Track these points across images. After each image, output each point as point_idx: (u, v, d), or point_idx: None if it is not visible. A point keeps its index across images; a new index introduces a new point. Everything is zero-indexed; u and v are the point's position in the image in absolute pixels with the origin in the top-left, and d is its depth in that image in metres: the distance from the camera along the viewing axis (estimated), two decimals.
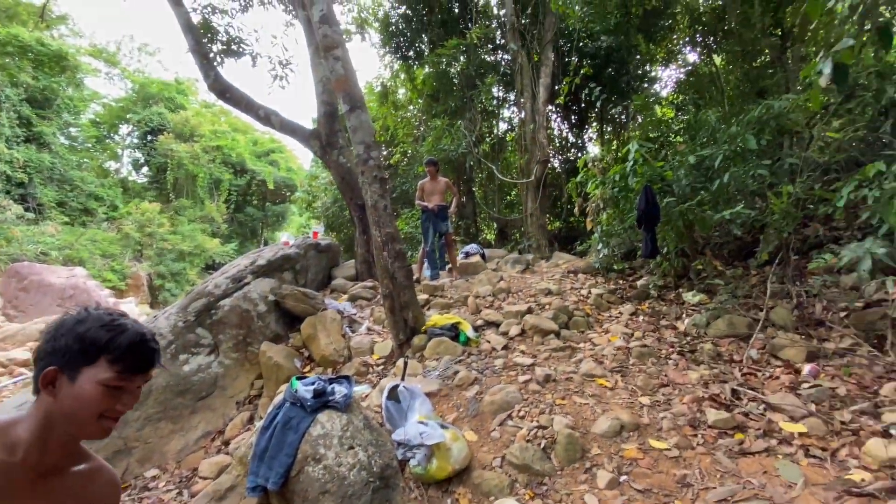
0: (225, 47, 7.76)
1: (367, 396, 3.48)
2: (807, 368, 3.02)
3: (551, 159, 10.90)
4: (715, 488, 2.11)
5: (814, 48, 7.21)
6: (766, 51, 8.51)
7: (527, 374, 3.40)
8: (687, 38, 10.54)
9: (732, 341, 3.71)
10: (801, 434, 2.39)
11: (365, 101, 4.38)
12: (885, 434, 2.28)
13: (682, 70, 11.39)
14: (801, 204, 4.27)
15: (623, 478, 2.33)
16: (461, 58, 10.85)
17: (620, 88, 10.68)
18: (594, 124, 12.89)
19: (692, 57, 11.09)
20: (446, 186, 6.39)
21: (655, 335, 4.06)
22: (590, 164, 5.26)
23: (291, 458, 2.24)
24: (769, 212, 4.40)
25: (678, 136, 6.76)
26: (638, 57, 10.69)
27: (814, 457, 2.23)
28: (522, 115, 10.43)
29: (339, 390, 2.52)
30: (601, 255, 5.81)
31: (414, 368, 3.69)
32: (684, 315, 4.35)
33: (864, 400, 2.62)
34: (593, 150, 12.72)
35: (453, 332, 4.07)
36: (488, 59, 11.72)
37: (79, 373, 0.88)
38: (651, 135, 6.80)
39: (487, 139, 12.02)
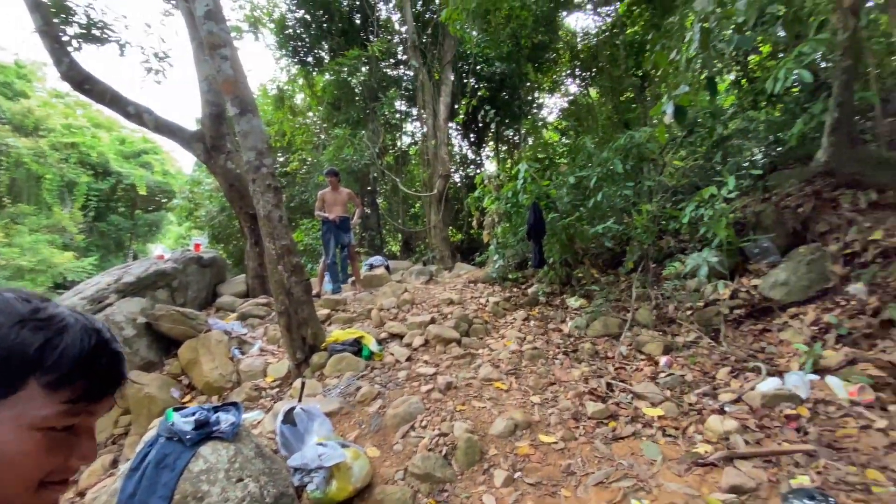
0: (84, 31, 6.72)
1: (259, 423, 3.22)
2: (663, 360, 3.54)
3: (452, 174, 11.32)
4: (594, 473, 2.36)
5: (664, 89, 8.58)
6: (630, 88, 9.91)
7: (429, 383, 3.46)
8: (568, 71, 11.82)
9: (607, 340, 4.20)
10: (659, 417, 2.79)
11: (257, 105, 4.13)
12: (721, 411, 2.77)
13: (565, 99, 12.75)
14: (656, 220, 5.01)
15: (517, 474, 2.48)
16: (363, 69, 10.80)
17: (513, 112, 11.54)
18: (491, 143, 13.73)
19: (573, 88, 12.47)
20: (348, 197, 6.27)
21: (544, 338, 4.42)
22: (486, 181, 5.58)
23: (167, 501, 1.99)
24: (633, 227, 5.10)
25: (562, 158, 7.51)
26: (528, 84, 11.67)
27: (669, 436, 2.62)
28: (424, 129, 10.70)
29: (226, 419, 2.31)
30: (497, 266, 6.16)
31: (313, 388, 3.52)
32: (568, 318, 4.81)
33: (706, 384, 3.15)
34: (490, 167, 13.53)
35: (356, 346, 3.98)
36: (390, 73, 11.84)
37: None
38: (539, 156, 7.47)
39: (391, 151, 12.08)
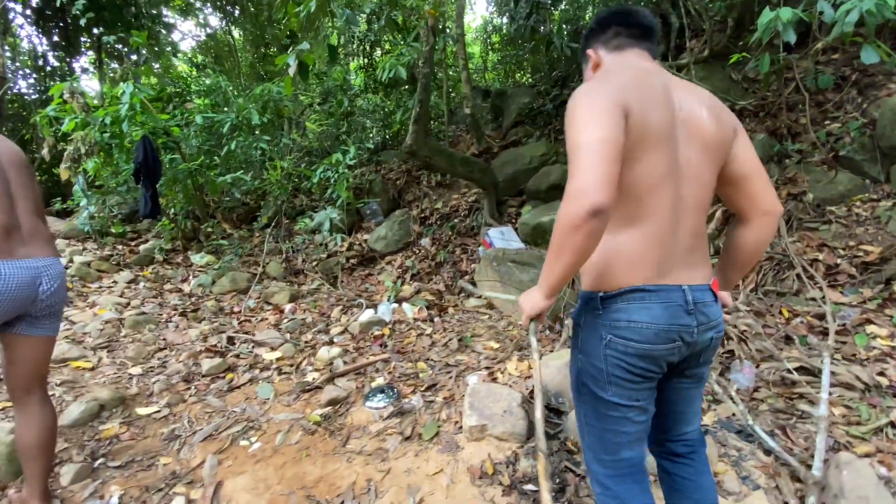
0: None
1: None
2: (288, 308, 3.74)
3: (9, 76, 7.66)
4: (201, 429, 2.22)
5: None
6: (274, 41, 9.62)
7: None
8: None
9: (234, 295, 4.03)
10: (277, 359, 2.92)
11: None
12: (330, 343, 3.19)
13: (203, 31, 10.99)
14: (291, 177, 5.17)
15: (98, 462, 2.01)
16: None
17: (126, 20, 8.93)
18: (92, 53, 10.16)
19: (214, 21, 10.91)
20: None
21: (157, 300, 3.78)
22: (67, 96, 4.08)
23: None
24: (269, 182, 5.06)
25: (193, 97, 6.49)
26: None
27: (285, 373, 2.79)
28: None
29: None
30: (86, 216, 4.72)
31: None
32: (191, 277, 4.30)
33: (322, 323, 3.55)
34: (93, 84, 10.05)
35: None
36: None
37: None
38: (167, 89, 6.14)
39: None
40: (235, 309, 3.81)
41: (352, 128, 5.84)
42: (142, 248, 4.79)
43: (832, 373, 1.98)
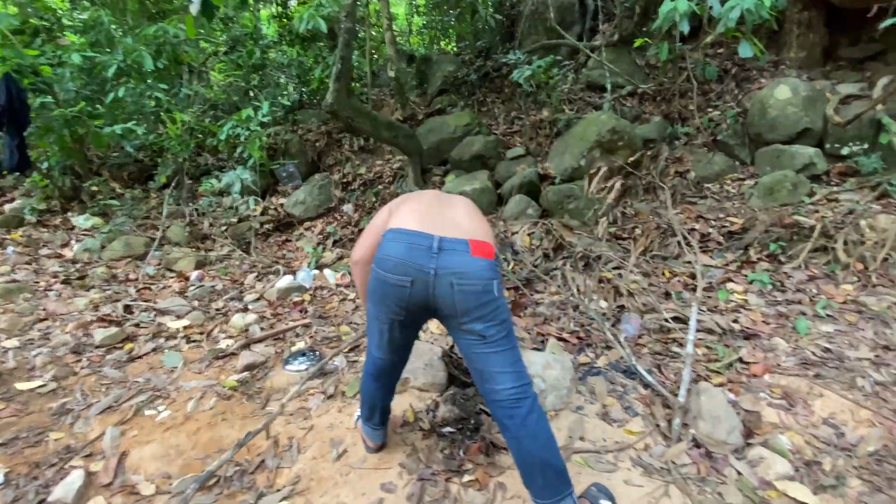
0: None
1: None
2: (194, 275, 3.47)
3: None
4: (98, 402, 2.04)
5: None
6: None
7: None
8: None
9: (129, 262, 3.65)
10: (185, 328, 2.74)
11: None
12: (245, 310, 3.05)
13: None
14: (193, 133, 4.68)
15: None
16: None
17: None
18: None
19: None
20: None
21: (32, 267, 3.29)
22: None
23: None
24: (167, 137, 4.54)
25: (68, 32, 5.50)
26: None
27: (194, 341, 2.63)
28: None
29: None
30: None
31: None
32: (73, 241, 3.78)
33: (235, 290, 3.37)
34: None
35: None
36: None
37: None
38: (31, 21, 5.10)
39: None
40: (132, 276, 3.45)
41: (264, 82, 5.39)
42: (7, 207, 4.09)
43: (698, 321, 2.36)
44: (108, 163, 5.03)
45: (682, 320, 2.44)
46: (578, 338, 2.39)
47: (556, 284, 2.91)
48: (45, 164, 4.21)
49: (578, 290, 2.75)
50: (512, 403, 1.28)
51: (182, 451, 1.83)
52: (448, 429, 1.81)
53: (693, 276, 3.00)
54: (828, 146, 3.69)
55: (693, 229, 3.56)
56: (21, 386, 2.10)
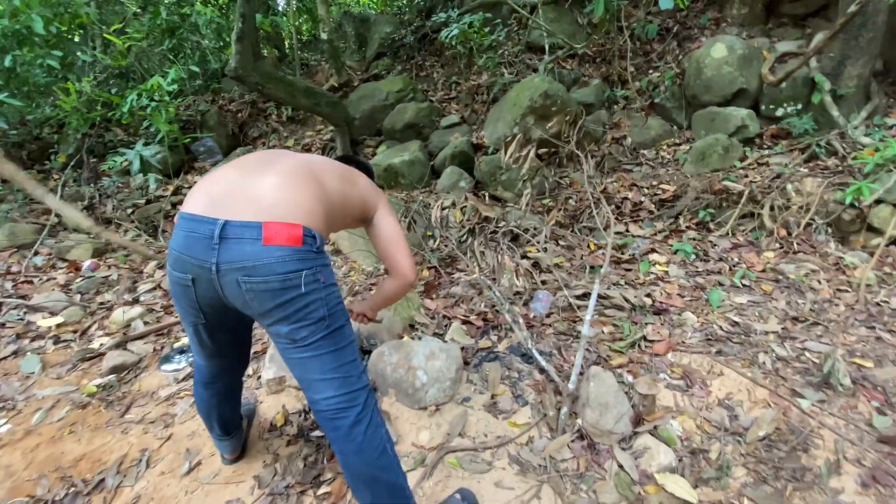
0: None
1: None
2: (86, 264, 3.13)
3: None
4: None
5: None
6: None
7: None
8: None
9: (14, 252, 3.27)
10: (57, 325, 2.44)
11: None
12: (135, 302, 2.75)
13: None
14: (93, 105, 4.21)
15: None
16: None
17: None
18: None
19: None
20: None
21: None
22: None
23: None
24: (63, 110, 4.06)
25: None
26: None
27: (64, 342, 2.35)
28: None
29: None
30: None
31: None
32: None
33: (130, 280, 3.05)
34: None
35: None
36: None
37: None
38: None
39: None
40: (14, 268, 3.09)
41: (179, 47, 4.88)
42: None
43: (606, 296, 2.22)
44: (5, 141, 4.50)
45: (600, 295, 2.30)
46: (484, 320, 2.22)
47: (475, 263, 2.73)
48: None
49: (494, 268, 2.58)
50: (333, 414, 1.09)
51: (13, 473, 1.59)
52: (317, 433, 1.62)
53: (621, 248, 2.87)
54: (763, 107, 3.57)
55: (626, 198, 3.42)
56: None
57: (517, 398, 1.73)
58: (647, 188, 3.44)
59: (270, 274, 0.97)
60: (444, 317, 2.28)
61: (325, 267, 1.07)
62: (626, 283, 2.46)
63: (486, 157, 3.77)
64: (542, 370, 1.82)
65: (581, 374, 1.70)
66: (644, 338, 1.98)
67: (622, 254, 2.83)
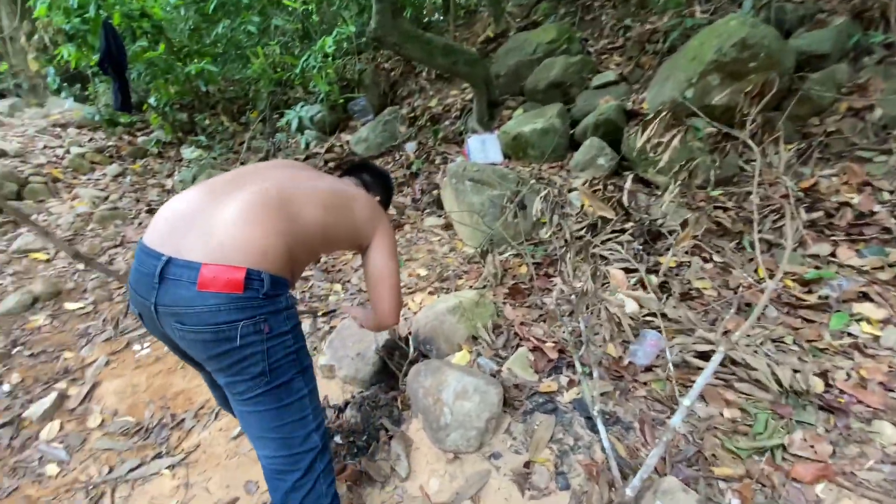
0: None
1: None
2: None
3: None
4: (107, 330, 2.36)
5: None
6: None
7: None
8: None
9: None
10: None
11: None
12: None
13: None
14: (275, 66, 4.79)
15: (16, 349, 2.25)
16: None
17: None
18: None
19: None
20: None
21: (137, 195, 3.93)
22: None
23: None
24: (255, 71, 4.74)
25: None
26: None
27: None
28: None
29: None
30: (104, 104, 4.85)
31: None
32: (176, 172, 4.38)
33: None
34: None
35: None
36: None
37: None
38: None
39: None
40: None
41: (346, 7, 5.12)
42: (141, 140, 4.92)
43: (743, 362, 1.55)
44: (223, 97, 5.58)
45: (736, 360, 1.63)
46: (561, 351, 1.81)
47: (566, 272, 2.24)
48: (157, 102, 4.79)
49: (586, 285, 2.07)
50: (273, 475, 0.99)
51: (136, 392, 2.01)
52: (337, 439, 1.58)
53: (808, 284, 1.99)
54: None
55: (846, 203, 2.33)
56: (69, 306, 2.55)
57: (559, 475, 1.36)
58: (891, 192, 2.26)
59: (201, 324, 0.86)
60: (516, 334, 1.95)
61: (274, 314, 0.92)
62: (793, 343, 1.68)
63: (637, 128, 3.00)
64: (604, 448, 1.39)
65: (651, 476, 1.23)
66: (784, 446, 1.32)
67: (808, 291, 1.95)
